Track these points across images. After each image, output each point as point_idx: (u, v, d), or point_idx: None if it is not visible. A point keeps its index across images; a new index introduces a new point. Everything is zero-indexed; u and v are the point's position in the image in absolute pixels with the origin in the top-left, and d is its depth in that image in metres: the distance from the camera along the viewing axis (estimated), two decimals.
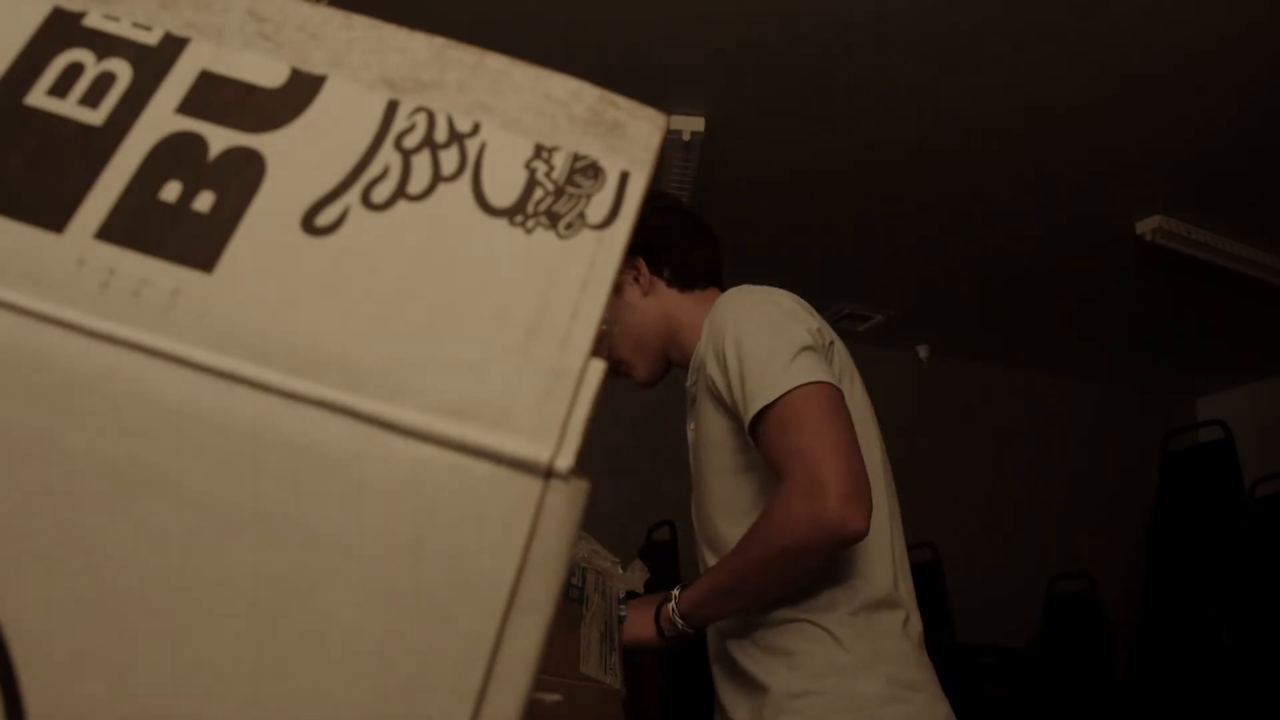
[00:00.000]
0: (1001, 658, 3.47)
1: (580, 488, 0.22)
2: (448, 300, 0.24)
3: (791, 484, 1.03)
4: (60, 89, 0.26)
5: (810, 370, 1.08)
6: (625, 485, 3.11)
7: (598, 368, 0.24)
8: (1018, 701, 3.35)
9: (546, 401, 0.23)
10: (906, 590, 1.16)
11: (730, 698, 1.18)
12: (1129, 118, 2.61)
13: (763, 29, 2.36)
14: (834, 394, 1.08)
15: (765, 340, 1.12)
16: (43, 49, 0.26)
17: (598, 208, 0.26)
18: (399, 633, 0.21)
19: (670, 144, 2.72)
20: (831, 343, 1.19)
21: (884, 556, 1.13)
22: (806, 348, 1.11)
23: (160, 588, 0.21)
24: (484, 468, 0.22)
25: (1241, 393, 4.34)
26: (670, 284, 1.34)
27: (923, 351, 4.14)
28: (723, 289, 1.31)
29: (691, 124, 2.67)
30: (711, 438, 1.22)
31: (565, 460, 0.22)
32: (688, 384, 1.30)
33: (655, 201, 1.38)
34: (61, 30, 0.26)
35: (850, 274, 3.58)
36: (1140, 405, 4.40)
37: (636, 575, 1.39)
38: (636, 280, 1.34)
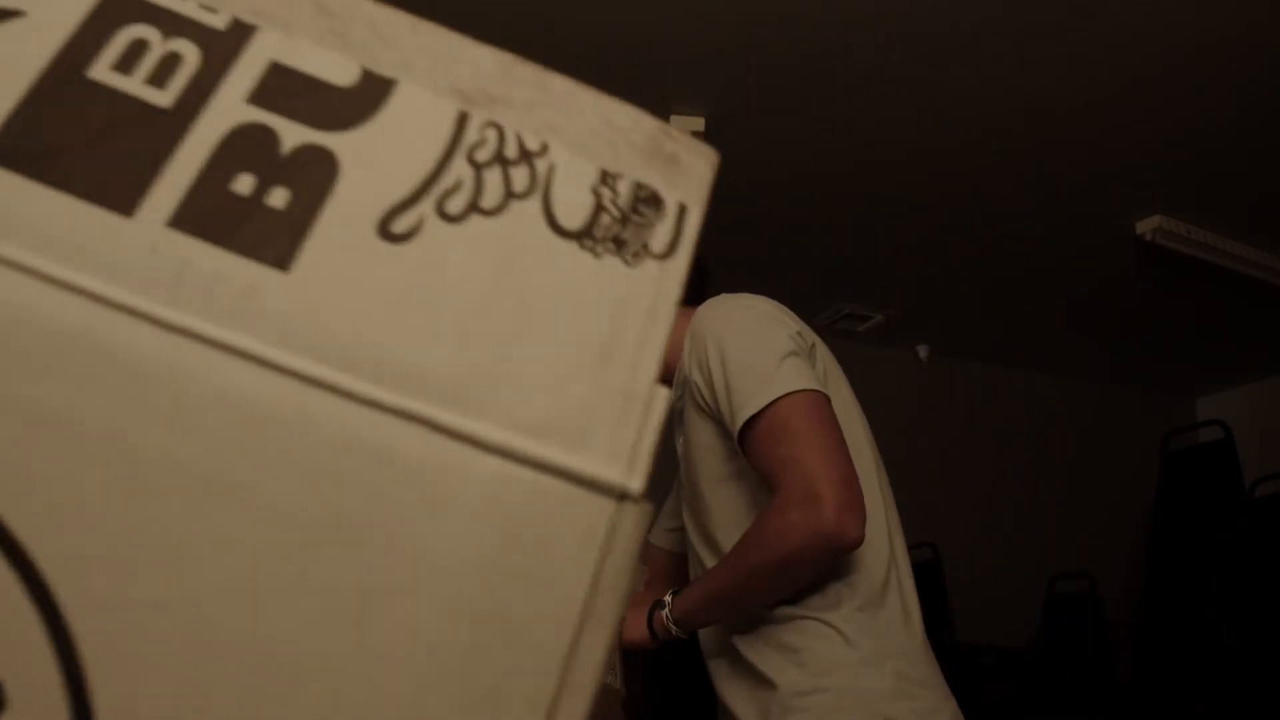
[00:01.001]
0: (1001, 658, 3.47)
1: (646, 509, 0.23)
2: (524, 319, 0.24)
3: (785, 494, 1.04)
4: (125, 65, 0.24)
5: (796, 378, 1.08)
6: None
7: (663, 394, 0.24)
8: (1018, 701, 3.35)
9: (620, 425, 0.23)
10: (908, 585, 1.16)
11: (735, 694, 1.18)
12: (1129, 118, 2.62)
13: (763, 29, 2.36)
14: (821, 401, 1.09)
15: (748, 348, 1.13)
16: (106, 20, 0.25)
17: (660, 238, 0.26)
18: (481, 645, 0.21)
19: None
20: (814, 345, 1.20)
21: (882, 552, 1.14)
22: (790, 353, 1.11)
23: (237, 592, 0.20)
24: (563, 487, 0.22)
25: (1241, 393, 4.35)
26: None
27: (923, 351, 4.15)
28: None
29: (691, 124, 2.67)
30: (702, 447, 1.23)
31: (637, 483, 0.22)
32: (673, 399, 1.30)
33: None
34: (125, 2, 0.25)
35: (850, 274, 3.58)
36: (1140, 405, 4.40)
37: (636, 575, 1.39)
38: None
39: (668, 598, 1.19)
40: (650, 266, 0.26)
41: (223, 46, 0.25)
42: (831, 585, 1.11)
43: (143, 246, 0.22)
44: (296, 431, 0.21)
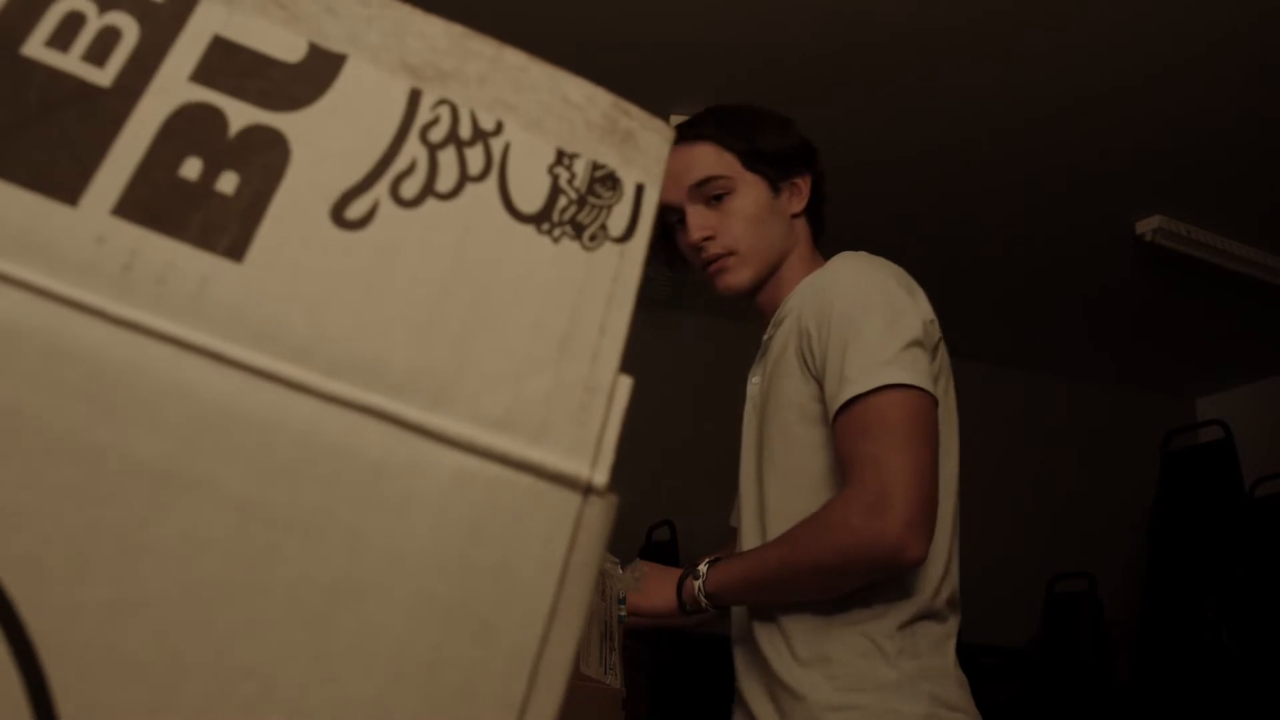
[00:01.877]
0: (1001, 658, 3.47)
1: (612, 502, 0.22)
2: (483, 308, 0.23)
3: (856, 492, 0.98)
4: (60, 41, 0.23)
5: (911, 371, 1.02)
6: (625, 485, 3.09)
7: (625, 384, 0.23)
8: (1018, 701, 3.35)
9: (581, 416, 0.22)
10: (955, 605, 1.11)
11: (756, 695, 1.12)
12: (1129, 117, 2.61)
13: (762, 29, 2.35)
14: (927, 405, 1.03)
15: (878, 320, 1.06)
16: None
17: (618, 220, 0.26)
18: (448, 643, 0.20)
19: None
20: (939, 340, 1.14)
21: (941, 570, 1.08)
22: (915, 342, 1.05)
23: (202, 593, 0.20)
24: (527, 481, 0.21)
25: (1241, 393, 4.34)
26: (810, 223, 1.29)
27: None
28: None
29: None
30: (790, 401, 1.13)
31: (601, 477, 0.22)
32: (765, 336, 1.24)
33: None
34: None
35: None
36: (1140, 405, 4.39)
37: (636, 575, 1.39)
38: (793, 196, 1.27)
39: (702, 567, 1.12)
40: (609, 250, 0.25)
41: (163, 20, 0.24)
42: (879, 594, 1.05)
43: (89, 237, 0.21)
44: (256, 428, 0.20)
